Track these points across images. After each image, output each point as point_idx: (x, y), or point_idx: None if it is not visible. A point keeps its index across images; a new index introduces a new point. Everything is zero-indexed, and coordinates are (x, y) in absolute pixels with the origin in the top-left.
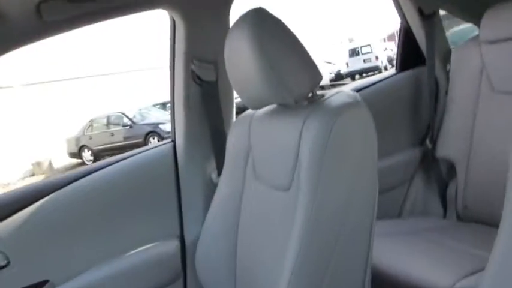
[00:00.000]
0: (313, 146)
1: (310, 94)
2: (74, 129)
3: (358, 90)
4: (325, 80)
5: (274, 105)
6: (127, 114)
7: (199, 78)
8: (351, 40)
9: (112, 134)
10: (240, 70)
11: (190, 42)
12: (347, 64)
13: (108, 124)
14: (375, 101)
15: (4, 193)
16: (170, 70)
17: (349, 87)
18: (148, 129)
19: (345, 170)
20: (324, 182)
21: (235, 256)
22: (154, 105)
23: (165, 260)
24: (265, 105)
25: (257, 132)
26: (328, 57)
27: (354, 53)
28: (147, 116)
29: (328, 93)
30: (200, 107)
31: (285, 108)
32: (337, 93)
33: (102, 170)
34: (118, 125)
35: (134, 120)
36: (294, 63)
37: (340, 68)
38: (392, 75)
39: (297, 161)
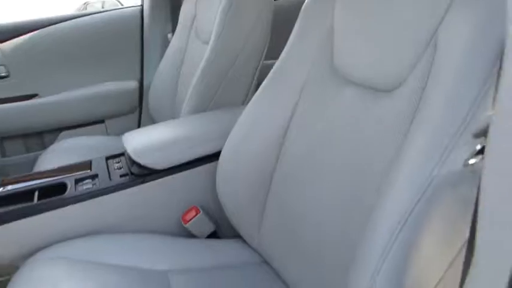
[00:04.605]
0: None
1: None
2: None
3: None
4: None
5: None
6: None
7: None
8: None
9: None
10: None
11: None
12: None
13: None
14: None
15: (8, 22)
16: None
17: None
18: None
19: (241, 29)
20: (225, 34)
21: (175, 93)
22: None
23: (125, 94)
24: None
25: (200, 3)
26: None
27: None
28: None
29: None
30: None
31: None
32: None
33: (85, 17)
34: None
35: None
36: None
37: None
38: None
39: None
